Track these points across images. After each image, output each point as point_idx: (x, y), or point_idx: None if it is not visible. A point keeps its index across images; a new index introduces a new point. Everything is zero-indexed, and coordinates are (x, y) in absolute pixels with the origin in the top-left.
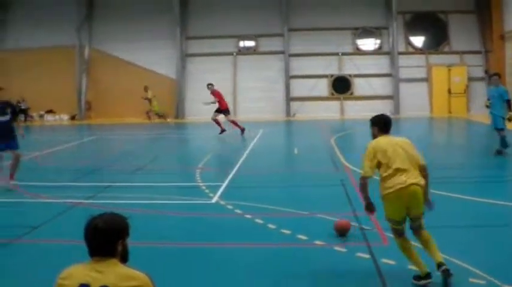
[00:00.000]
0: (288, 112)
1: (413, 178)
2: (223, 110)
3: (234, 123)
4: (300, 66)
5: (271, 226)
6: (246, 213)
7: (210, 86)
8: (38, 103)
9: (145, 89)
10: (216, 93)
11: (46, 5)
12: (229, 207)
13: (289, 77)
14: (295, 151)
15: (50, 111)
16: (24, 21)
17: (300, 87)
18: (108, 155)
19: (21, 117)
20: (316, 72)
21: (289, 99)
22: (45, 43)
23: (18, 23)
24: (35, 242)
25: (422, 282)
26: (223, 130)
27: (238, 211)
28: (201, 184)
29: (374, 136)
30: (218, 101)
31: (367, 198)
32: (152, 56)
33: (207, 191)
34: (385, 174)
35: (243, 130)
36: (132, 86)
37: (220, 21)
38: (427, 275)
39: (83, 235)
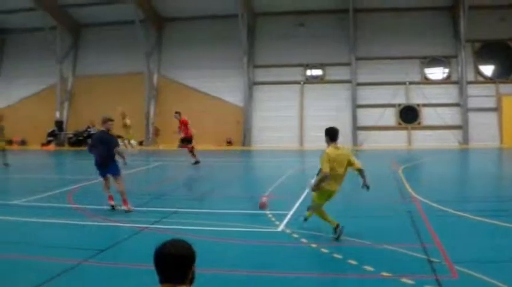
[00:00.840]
0: (354, 141)
1: (339, 185)
2: (187, 138)
3: (192, 152)
4: (367, 95)
5: (337, 255)
6: (312, 242)
7: (176, 115)
8: None
9: (123, 115)
10: (183, 122)
11: (116, 33)
12: (295, 236)
13: (356, 106)
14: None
15: (118, 137)
16: (94, 48)
17: (367, 117)
18: (175, 181)
19: (90, 141)
20: (384, 102)
21: (356, 128)
22: (115, 70)
23: (89, 50)
24: (102, 265)
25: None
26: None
27: (304, 240)
28: (267, 212)
29: (327, 143)
30: (184, 130)
31: (317, 186)
32: (219, 83)
33: (273, 219)
34: (330, 175)
35: (197, 162)
36: (199, 113)
37: (288, 50)
38: (337, 226)
39: (154, 262)
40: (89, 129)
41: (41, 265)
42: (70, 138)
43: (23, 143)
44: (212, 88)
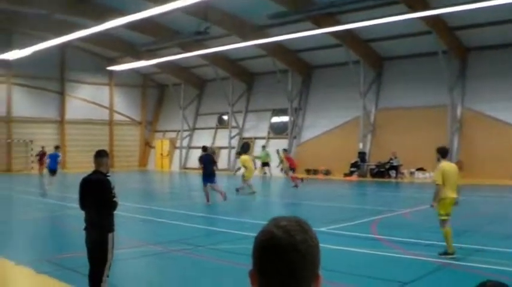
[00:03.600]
0: None
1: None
2: (292, 167)
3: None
4: None
5: None
6: None
7: (285, 152)
8: (409, 160)
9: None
10: (287, 158)
11: (418, 65)
12: None
13: None
14: None
15: (420, 169)
16: (396, 81)
17: None
18: (479, 217)
19: (392, 173)
20: None
21: None
22: (417, 102)
23: (391, 83)
24: None
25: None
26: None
27: None
28: None
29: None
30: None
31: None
32: None
33: None
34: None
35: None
36: (506, 147)
37: None
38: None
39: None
40: (391, 161)
41: None
42: (372, 169)
43: (327, 173)
44: None
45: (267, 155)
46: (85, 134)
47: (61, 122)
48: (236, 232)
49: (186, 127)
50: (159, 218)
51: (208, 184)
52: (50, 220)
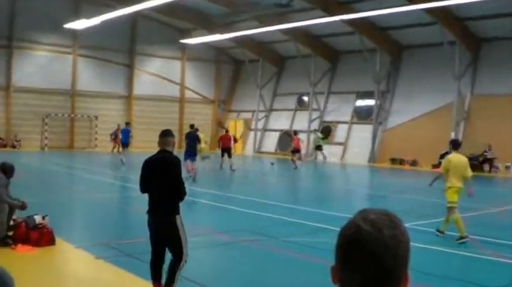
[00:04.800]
0: None
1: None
2: (296, 149)
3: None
4: None
5: None
6: None
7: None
8: (505, 153)
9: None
10: (295, 140)
11: None
12: None
13: None
14: None
15: None
16: (495, 65)
17: None
18: None
19: (486, 167)
20: None
21: None
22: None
23: (490, 67)
24: None
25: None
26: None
27: None
28: None
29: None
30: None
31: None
32: None
33: None
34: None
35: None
36: None
37: None
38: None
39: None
40: (485, 153)
41: None
42: None
43: (413, 163)
44: None
45: (319, 138)
46: (153, 111)
47: (128, 98)
48: (312, 223)
49: (262, 108)
50: (229, 205)
51: (188, 161)
52: (111, 202)
